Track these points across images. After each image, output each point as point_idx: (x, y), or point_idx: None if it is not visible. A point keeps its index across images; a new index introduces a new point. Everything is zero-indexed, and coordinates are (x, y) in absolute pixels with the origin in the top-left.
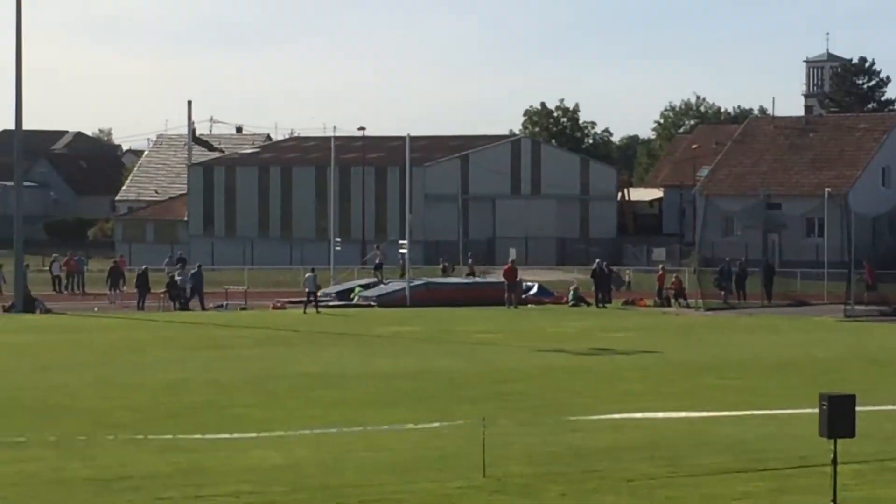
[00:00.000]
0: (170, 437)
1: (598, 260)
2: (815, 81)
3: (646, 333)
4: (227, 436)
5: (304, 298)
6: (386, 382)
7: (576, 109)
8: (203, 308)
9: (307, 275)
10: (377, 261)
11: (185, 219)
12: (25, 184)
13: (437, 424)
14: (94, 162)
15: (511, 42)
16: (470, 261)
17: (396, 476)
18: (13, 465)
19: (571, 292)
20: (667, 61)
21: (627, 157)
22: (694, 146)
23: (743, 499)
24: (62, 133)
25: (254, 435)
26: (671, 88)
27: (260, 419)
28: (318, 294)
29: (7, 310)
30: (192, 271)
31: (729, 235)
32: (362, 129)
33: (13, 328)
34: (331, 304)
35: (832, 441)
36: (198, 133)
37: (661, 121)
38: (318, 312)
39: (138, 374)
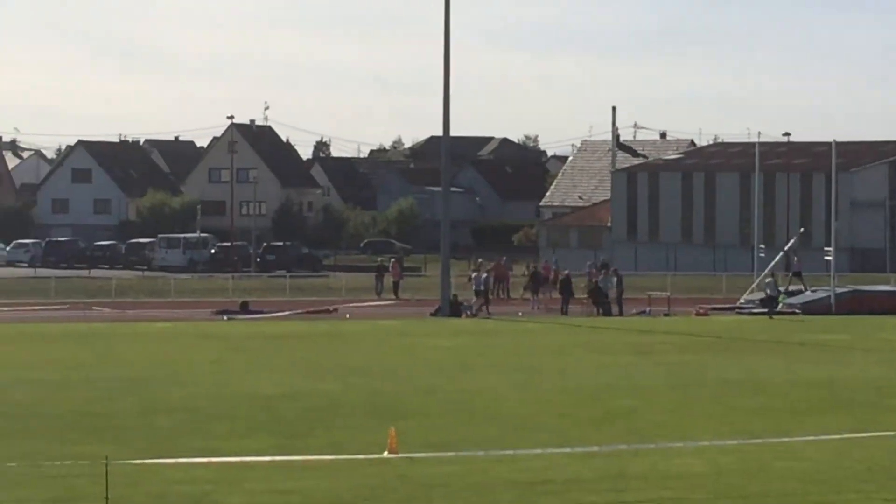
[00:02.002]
0: (594, 445)
1: None
2: None
3: None
4: (652, 446)
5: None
6: (809, 390)
7: None
8: (621, 314)
9: (767, 279)
10: (796, 268)
11: (609, 224)
12: (452, 189)
13: (862, 435)
14: (519, 168)
15: None
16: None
17: (820, 487)
18: (441, 466)
19: None
20: None
21: None
22: None
23: None
24: (488, 139)
25: (678, 444)
26: None
27: (682, 426)
28: (742, 301)
29: (433, 314)
30: (613, 278)
31: None
32: (787, 134)
33: (440, 332)
34: (754, 311)
35: None
36: (622, 139)
37: None
38: (769, 318)
39: (562, 378)
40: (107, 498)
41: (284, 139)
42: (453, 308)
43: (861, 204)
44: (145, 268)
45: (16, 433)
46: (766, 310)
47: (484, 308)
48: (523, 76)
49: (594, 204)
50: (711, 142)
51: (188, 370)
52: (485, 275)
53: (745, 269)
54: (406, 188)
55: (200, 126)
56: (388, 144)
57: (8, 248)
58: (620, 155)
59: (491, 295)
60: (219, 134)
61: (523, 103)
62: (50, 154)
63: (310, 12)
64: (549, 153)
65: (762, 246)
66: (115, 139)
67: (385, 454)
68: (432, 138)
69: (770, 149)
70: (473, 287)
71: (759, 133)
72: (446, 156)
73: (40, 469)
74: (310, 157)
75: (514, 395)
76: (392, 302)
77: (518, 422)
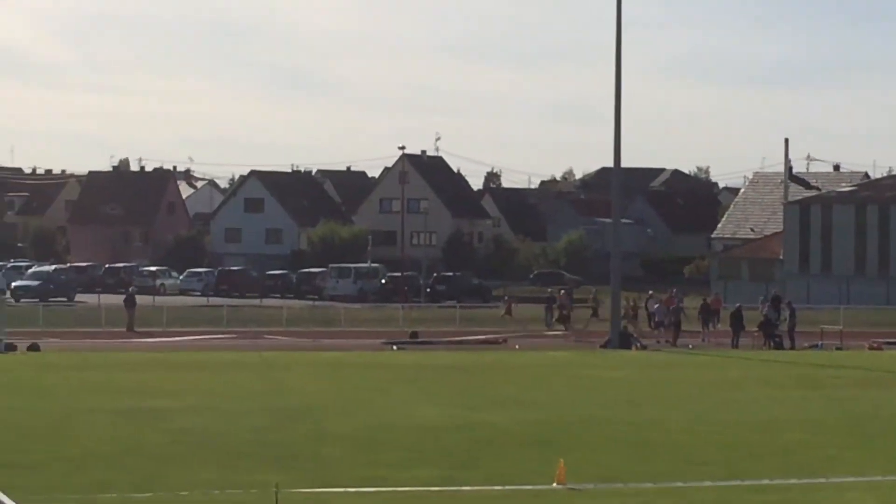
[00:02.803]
0: (764, 478)
1: None
2: None
3: None
4: (823, 480)
5: None
6: None
7: None
8: (793, 347)
9: None
10: None
11: (781, 257)
12: (623, 221)
13: None
14: (690, 199)
15: None
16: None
17: None
18: (610, 498)
19: None
20: None
21: None
22: None
23: None
24: (660, 171)
25: (850, 479)
26: None
27: (854, 461)
28: None
29: (603, 346)
30: (786, 310)
31: None
32: None
33: (610, 364)
34: None
35: None
36: (794, 171)
37: None
38: None
39: (731, 412)
40: None
41: (455, 170)
42: (623, 340)
43: None
44: (316, 297)
45: (188, 461)
46: None
47: (667, 340)
48: (695, 107)
49: (766, 236)
50: (886, 174)
51: (357, 399)
52: (664, 305)
53: None
54: (576, 219)
55: (372, 156)
56: (558, 175)
57: (181, 277)
58: (793, 187)
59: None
60: (390, 164)
61: (695, 134)
62: (223, 184)
63: (482, 43)
64: (721, 185)
65: None
66: (288, 169)
67: (553, 486)
68: (603, 169)
69: None
70: (656, 318)
71: None
72: (617, 187)
73: (212, 497)
74: (480, 187)
75: (683, 428)
76: (562, 333)
77: (687, 454)
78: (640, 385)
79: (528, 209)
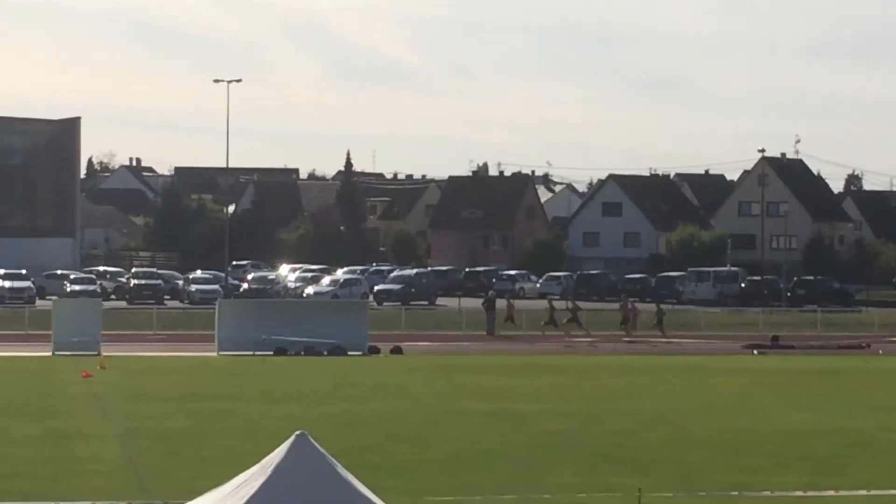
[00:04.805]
0: None
1: None
2: None
3: None
4: None
5: None
6: None
7: None
8: None
9: None
10: None
11: None
12: None
13: None
14: None
15: None
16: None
17: None
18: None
19: None
20: None
21: None
22: None
23: None
24: None
25: None
26: None
27: None
28: None
29: None
30: None
31: None
32: None
33: None
34: None
35: None
36: None
37: None
38: None
39: None
40: None
41: (816, 172)
42: None
43: None
44: (675, 301)
45: (552, 464)
46: None
47: None
48: None
49: None
50: None
51: (718, 404)
52: None
53: None
54: None
55: (731, 159)
56: None
57: (540, 281)
58: None
59: None
60: (749, 167)
61: None
62: (581, 188)
63: (844, 44)
64: None
65: None
66: (646, 173)
67: None
68: None
69: None
70: None
71: None
72: None
73: (576, 500)
74: (841, 190)
75: None
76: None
77: None
78: None
79: (891, 212)
